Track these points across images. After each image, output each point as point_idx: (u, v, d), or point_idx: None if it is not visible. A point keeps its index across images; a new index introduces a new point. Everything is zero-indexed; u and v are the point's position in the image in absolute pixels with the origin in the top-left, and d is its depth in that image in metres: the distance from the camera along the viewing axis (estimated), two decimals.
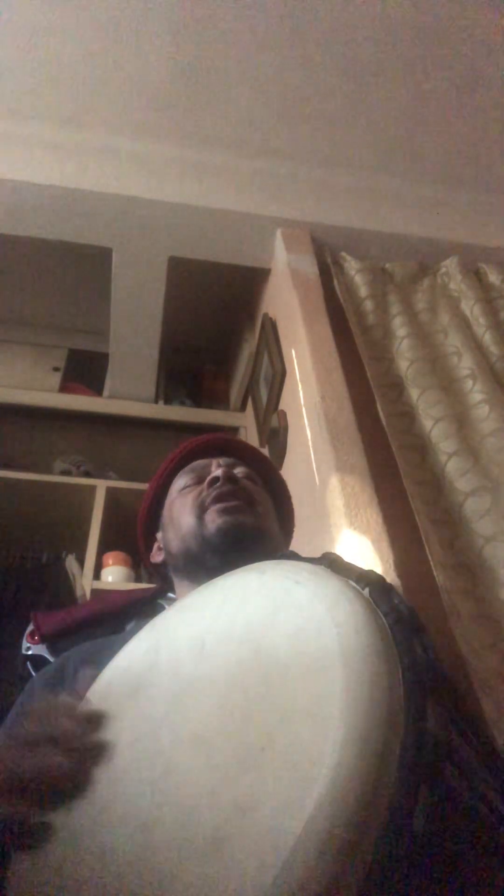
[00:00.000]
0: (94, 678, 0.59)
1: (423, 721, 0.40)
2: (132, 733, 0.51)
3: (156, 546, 0.98)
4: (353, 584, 0.52)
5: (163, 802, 0.44)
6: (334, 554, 0.58)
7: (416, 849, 0.35)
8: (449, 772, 0.40)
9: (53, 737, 0.50)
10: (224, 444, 1.01)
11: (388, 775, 0.37)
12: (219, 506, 0.85)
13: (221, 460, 0.94)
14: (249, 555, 0.66)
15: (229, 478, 0.89)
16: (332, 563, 0.56)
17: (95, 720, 0.53)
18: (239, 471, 0.93)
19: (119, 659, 0.62)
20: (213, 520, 0.84)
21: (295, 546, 1.10)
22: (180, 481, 0.94)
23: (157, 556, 0.97)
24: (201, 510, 0.86)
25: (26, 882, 0.46)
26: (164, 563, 0.95)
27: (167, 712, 0.51)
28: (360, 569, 0.54)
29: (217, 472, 0.89)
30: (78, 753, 0.49)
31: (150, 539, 1.00)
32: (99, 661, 0.63)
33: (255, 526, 0.86)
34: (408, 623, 0.47)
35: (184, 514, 0.88)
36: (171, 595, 0.98)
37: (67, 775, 0.48)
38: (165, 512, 0.95)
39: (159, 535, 0.97)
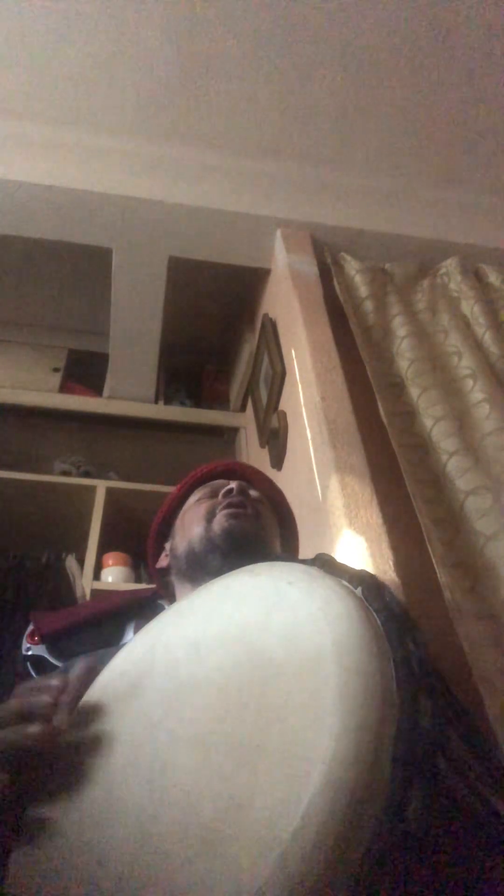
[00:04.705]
0: (87, 668, 0.60)
1: (416, 715, 0.40)
2: (129, 735, 0.51)
3: (163, 554, 1.02)
4: (346, 583, 0.52)
5: (159, 801, 0.44)
6: (327, 555, 0.59)
7: (410, 841, 0.36)
8: (442, 765, 0.40)
9: (29, 710, 0.52)
10: (242, 470, 1.07)
11: (382, 769, 0.38)
12: (227, 511, 0.90)
13: (238, 481, 0.99)
14: (249, 560, 0.68)
15: (242, 491, 0.94)
16: (324, 564, 0.57)
17: (88, 710, 0.54)
18: (252, 492, 0.98)
19: (115, 663, 0.62)
20: (221, 522, 0.89)
21: None
22: (196, 496, 0.99)
23: (162, 562, 1.01)
24: (211, 516, 0.91)
25: (24, 882, 0.46)
26: (167, 569, 0.99)
27: (164, 713, 0.51)
28: (353, 568, 0.55)
29: (232, 485, 0.95)
30: (53, 726, 0.51)
31: (160, 549, 1.04)
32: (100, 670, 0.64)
33: (259, 534, 0.90)
34: (400, 620, 0.47)
35: (194, 519, 0.93)
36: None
37: (40, 740, 0.49)
38: (178, 521, 0.99)
39: (168, 545, 1.01)
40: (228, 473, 1.03)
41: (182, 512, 1.00)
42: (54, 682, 0.56)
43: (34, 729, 0.50)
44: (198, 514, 0.93)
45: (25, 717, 0.51)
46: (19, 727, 0.50)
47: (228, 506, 0.91)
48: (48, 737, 0.50)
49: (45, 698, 0.53)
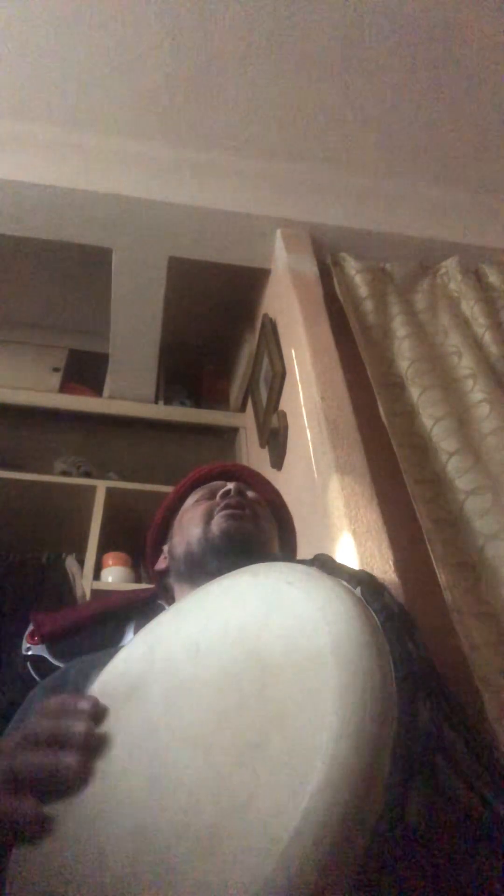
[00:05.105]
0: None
1: (416, 715, 0.40)
2: (129, 735, 0.51)
3: (161, 556, 1.02)
4: (345, 583, 0.52)
5: (160, 801, 0.44)
6: (326, 555, 0.59)
7: (410, 840, 0.36)
8: (441, 765, 0.40)
9: (62, 735, 0.50)
10: (240, 471, 1.07)
11: (381, 768, 0.38)
12: (226, 512, 0.90)
13: (235, 482, 0.98)
14: (248, 561, 0.68)
15: (240, 492, 0.95)
16: (323, 564, 0.57)
17: (99, 716, 0.53)
18: (250, 493, 0.98)
19: (115, 663, 0.62)
20: (219, 524, 0.89)
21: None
22: (194, 497, 0.99)
23: (160, 564, 1.01)
24: (209, 517, 0.91)
25: (24, 882, 0.46)
26: (166, 571, 0.98)
27: (163, 714, 0.51)
28: (351, 569, 0.55)
29: (230, 486, 0.95)
30: (85, 752, 0.49)
31: (158, 550, 1.04)
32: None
33: (257, 536, 0.90)
34: (399, 620, 0.47)
35: (193, 521, 0.93)
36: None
37: (76, 774, 0.48)
38: (176, 523, 0.99)
39: (166, 547, 1.01)
40: (226, 475, 1.03)
41: (180, 514, 1.00)
42: (85, 705, 0.53)
43: (71, 760, 0.48)
44: (196, 516, 0.93)
45: (59, 741, 0.50)
46: (56, 755, 0.49)
47: (226, 507, 0.91)
48: (83, 771, 0.48)
49: (82, 727, 0.50)
